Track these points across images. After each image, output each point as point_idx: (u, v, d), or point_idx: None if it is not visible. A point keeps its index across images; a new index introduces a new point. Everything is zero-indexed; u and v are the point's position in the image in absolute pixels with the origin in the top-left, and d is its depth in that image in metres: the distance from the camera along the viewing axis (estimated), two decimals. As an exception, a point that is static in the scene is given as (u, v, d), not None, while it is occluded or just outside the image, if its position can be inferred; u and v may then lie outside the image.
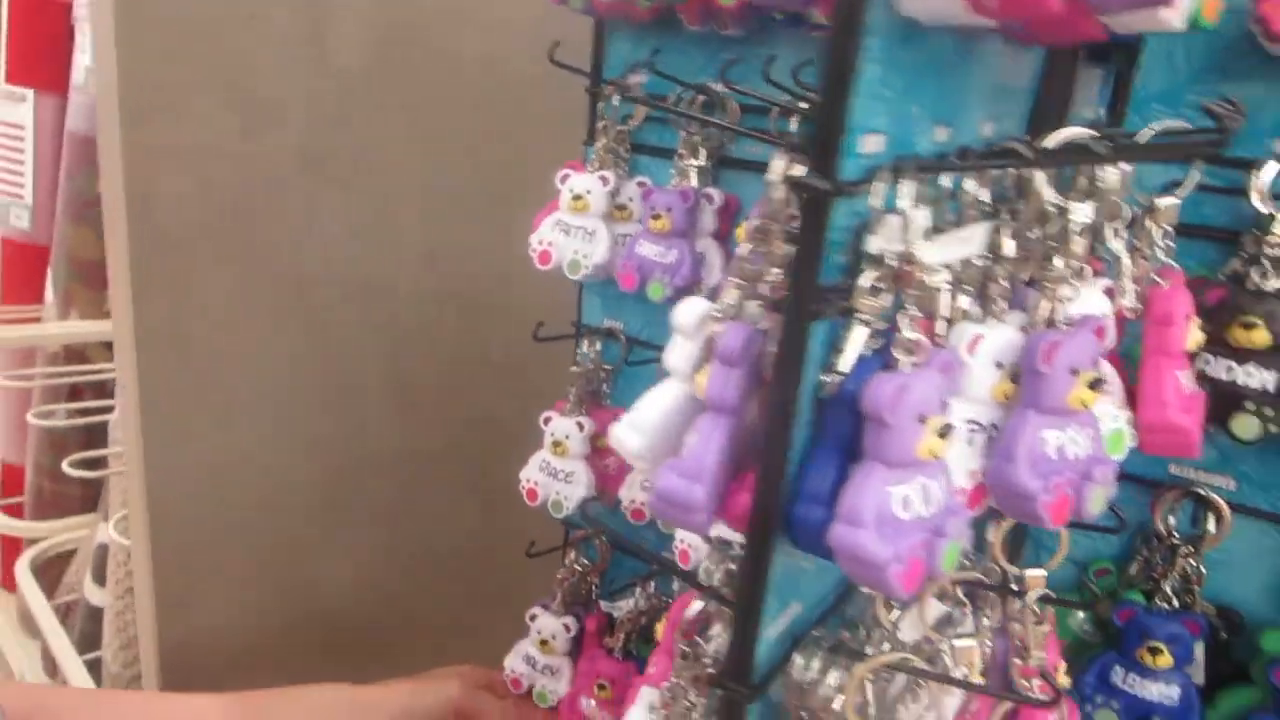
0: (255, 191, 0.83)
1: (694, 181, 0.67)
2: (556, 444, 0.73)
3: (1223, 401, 0.55)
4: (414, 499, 1.01)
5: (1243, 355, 0.54)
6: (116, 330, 0.83)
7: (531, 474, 0.74)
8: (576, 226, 0.70)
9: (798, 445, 0.40)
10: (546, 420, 0.75)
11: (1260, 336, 0.54)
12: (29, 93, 1.50)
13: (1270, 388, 0.54)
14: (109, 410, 1.34)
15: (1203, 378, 0.55)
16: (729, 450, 0.41)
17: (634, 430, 0.43)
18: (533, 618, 0.75)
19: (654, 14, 0.65)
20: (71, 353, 1.42)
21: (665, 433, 0.43)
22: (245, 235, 0.83)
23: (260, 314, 0.86)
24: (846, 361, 0.39)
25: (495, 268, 0.97)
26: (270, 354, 0.88)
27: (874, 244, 0.39)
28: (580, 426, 0.73)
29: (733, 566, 0.48)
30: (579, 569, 0.75)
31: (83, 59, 1.40)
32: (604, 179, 0.69)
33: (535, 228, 0.72)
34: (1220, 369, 0.55)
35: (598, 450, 0.73)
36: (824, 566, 0.43)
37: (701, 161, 0.67)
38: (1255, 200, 0.54)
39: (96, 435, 1.35)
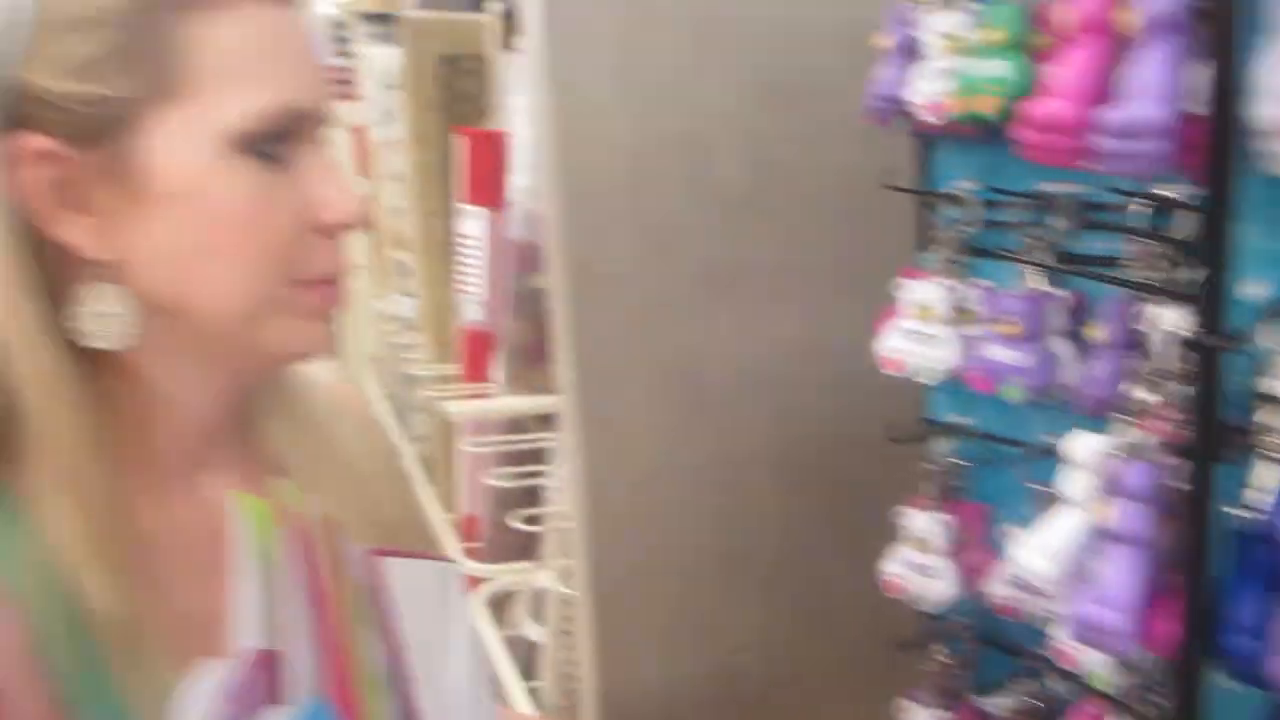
0: (661, 302, 1.00)
1: (1039, 283, 0.69)
2: (918, 539, 0.76)
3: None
4: (796, 565, 1.11)
5: None
6: (563, 412, 1.02)
7: (894, 567, 0.77)
8: (923, 333, 0.74)
9: (1217, 578, 0.43)
10: (905, 515, 0.78)
11: None
12: (479, 210, 1.81)
13: None
14: (543, 474, 1.59)
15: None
16: (1145, 580, 0.44)
17: (1043, 558, 0.48)
18: (903, 710, 0.77)
19: (985, 132, 0.69)
20: (515, 424, 1.70)
21: (1072, 560, 0.47)
22: (654, 338, 1.00)
23: (667, 403, 1.02)
24: (1263, 499, 0.41)
25: (865, 359, 1.06)
26: (676, 435, 1.04)
27: (1270, 385, 0.41)
28: (942, 523, 0.75)
29: (1145, 683, 0.49)
30: (948, 663, 0.76)
31: (517, 179, 1.69)
32: (947, 287, 0.73)
33: (879, 333, 0.77)
34: None
35: (960, 545, 0.75)
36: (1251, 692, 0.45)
37: (1046, 263, 0.69)
38: None
39: (536, 494, 1.60)
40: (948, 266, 0.75)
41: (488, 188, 1.70)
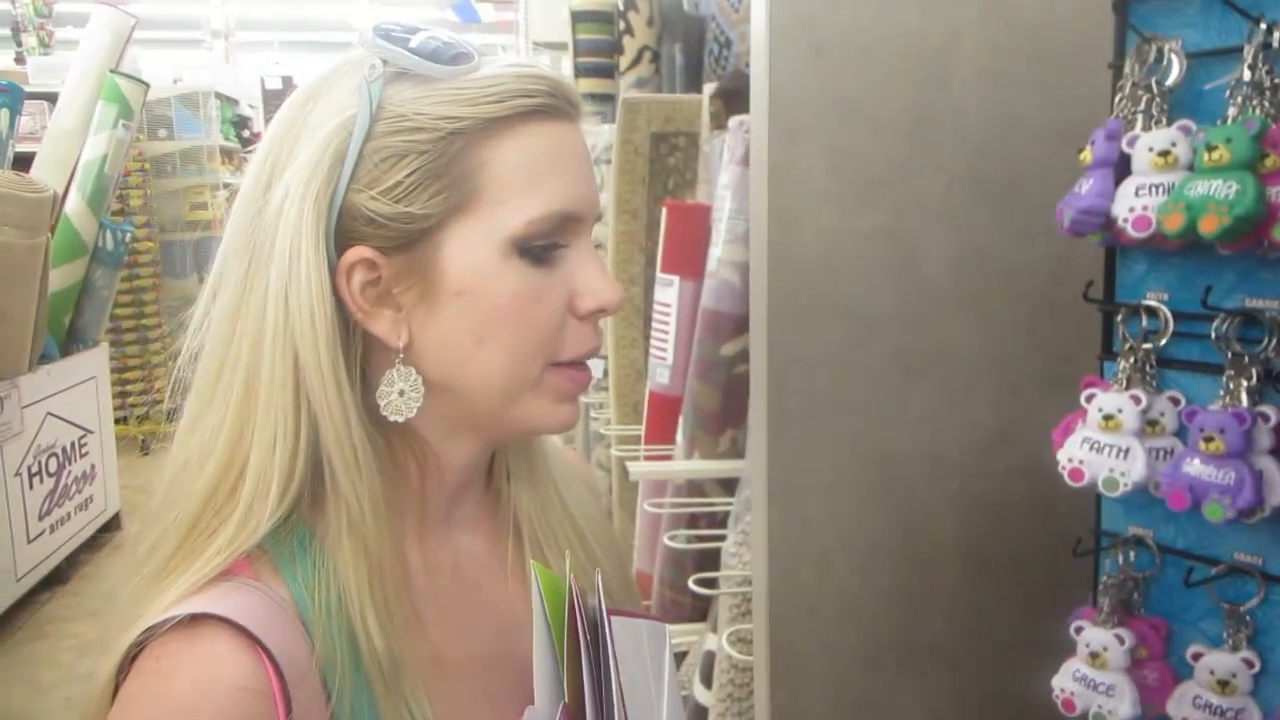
0: (857, 383, 1.03)
1: (1244, 401, 0.68)
2: (1094, 655, 0.74)
3: None
4: (980, 656, 1.10)
5: None
6: (754, 480, 1.07)
7: (1066, 683, 0.75)
8: (1108, 444, 0.72)
9: None
10: (1079, 630, 0.76)
11: None
12: (675, 279, 1.88)
13: None
14: (721, 539, 1.62)
15: None
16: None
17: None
18: None
19: (1183, 244, 0.69)
20: (693, 487, 1.75)
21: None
22: (848, 418, 1.04)
23: (855, 481, 1.05)
24: None
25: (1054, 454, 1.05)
26: (860, 515, 1.06)
27: None
28: (1120, 640, 0.73)
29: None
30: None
31: (715, 251, 1.75)
32: (1136, 398, 0.72)
33: (1058, 444, 0.75)
34: None
35: (1137, 662, 0.73)
36: None
37: (1253, 381, 0.68)
38: None
39: (710, 558, 1.64)
40: (1135, 377, 0.74)
41: (686, 258, 1.77)
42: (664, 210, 1.86)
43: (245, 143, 7.27)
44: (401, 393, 0.66)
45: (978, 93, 1.01)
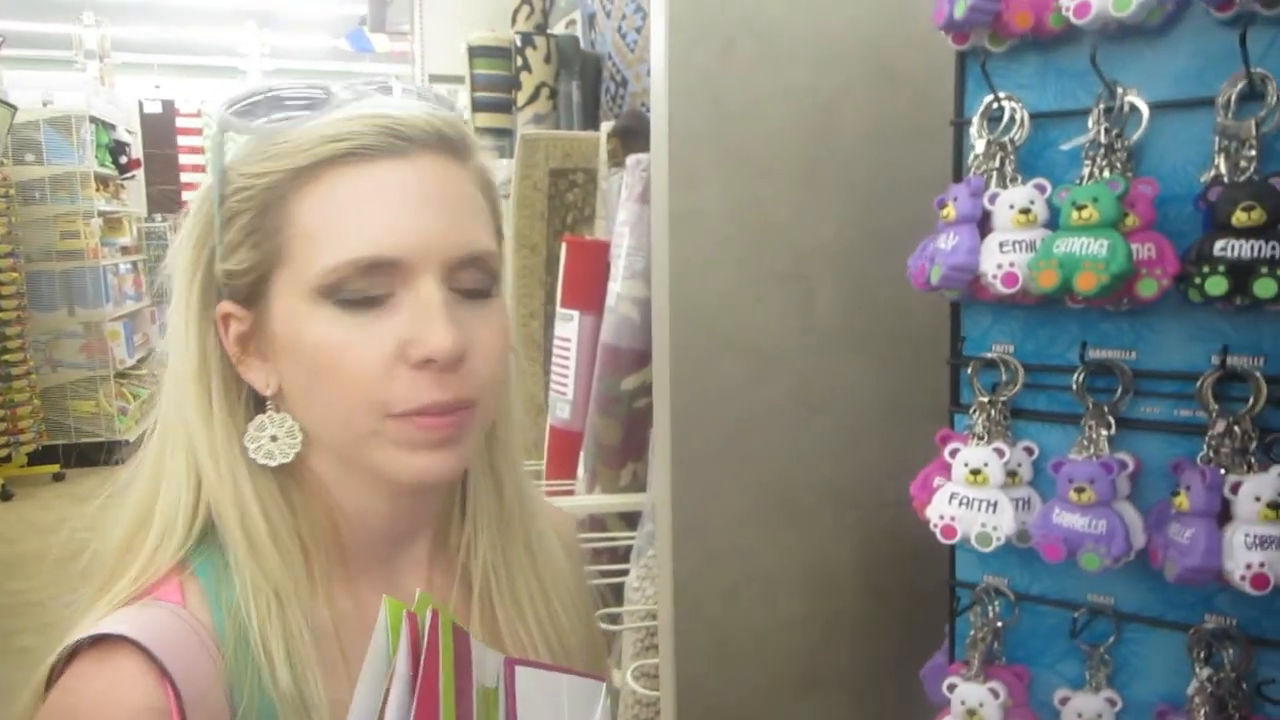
0: (759, 422, 1.07)
1: (1106, 449, 0.73)
2: (971, 712, 0.77)
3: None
4: (879, 678, 1.14)
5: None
6: (659, 516, 1.09)
7: None
8: (977, 499, 0.75)
9: None
10: (952, 688, 0.79)
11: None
12: (575, 314, 1.89)
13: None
14: (624, 573, 1.63)
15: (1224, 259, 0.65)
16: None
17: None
18: None
19: (1041, 299, 0.74)
20: (595, 521, 1.75)
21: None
22: (750, 453, 1.07)
23: (758, 514, 1.08)
24: None
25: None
26: (764, 547, 1.09)
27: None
28: (995, 694, 0.77)
29: None
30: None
31: (614, 287, 1.77)
32: (999, 451, 0.75)
33: (920, 499, 0.78)
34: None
35: (1005, 713, 0.77)
36: None
37: (1111, 431, 0.73)
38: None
39: (613, 593, 1.64)
40: (993, 429, 0.77)
41: (585, 293, 1.78)
42: (563, 245, 1.88)
43: (123, 169, 6.96)
44: (274, 438, 0.67)
45: (865, 145, 1.07)
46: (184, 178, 8.00)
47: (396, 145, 0.64)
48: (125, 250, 6.99)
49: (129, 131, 7.45)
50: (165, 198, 7.78)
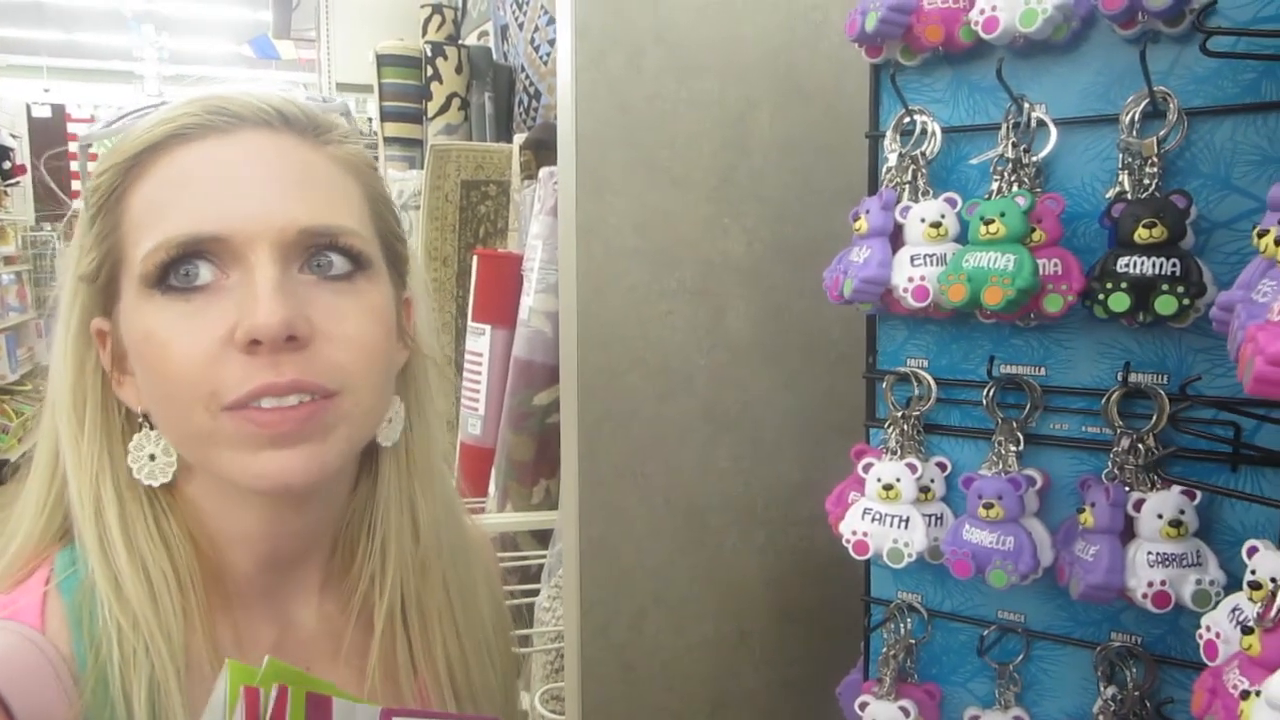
0: (668, 439, 1.04)
1: (1014, 465, 0.73)
2: None
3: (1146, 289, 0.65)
4: (790, 692, 1.13)
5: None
6: (566, 536, 1.05)
7: None
8: (889, 514, 0.75)
9: None
10: (864, 706, 0.79)
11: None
12: (487, 328, 1.86)
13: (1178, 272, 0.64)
14: (535, 593, 1.60)
15: (1126, 276, 0.65)
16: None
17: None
18: None
19: (953, 313, 0.74)
20: (506, 540, 1.71)
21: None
22: (659, 471, 1.04)
23: (667, 534, 1.06)
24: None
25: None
26: (673, 568, 1.06)
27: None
28: (905, 713, 0.76)
29: None
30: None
31: (527, 301, 1.74)
32: (912, 466, 0.75)
33: (834, 514, 0.78)
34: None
35: None
36: None
37: (1020, 447, 0.73)
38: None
39: (524, 613, 1.60)
40: (904, 444, 0.77)
41: (497, 306, 1.75)
42: (475, 259, 1.84)
43: (6, 175, 6.62)
44: (153, 457, 0.64)
45: (775, 157, 1.06)
46: (75, 185, 7.66)
47: (222, 123, 0.61)
48: (8, 260, 6.65)
49: (13, 135, 7.10)
50: (55, 205, 7.43)
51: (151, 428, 0.64)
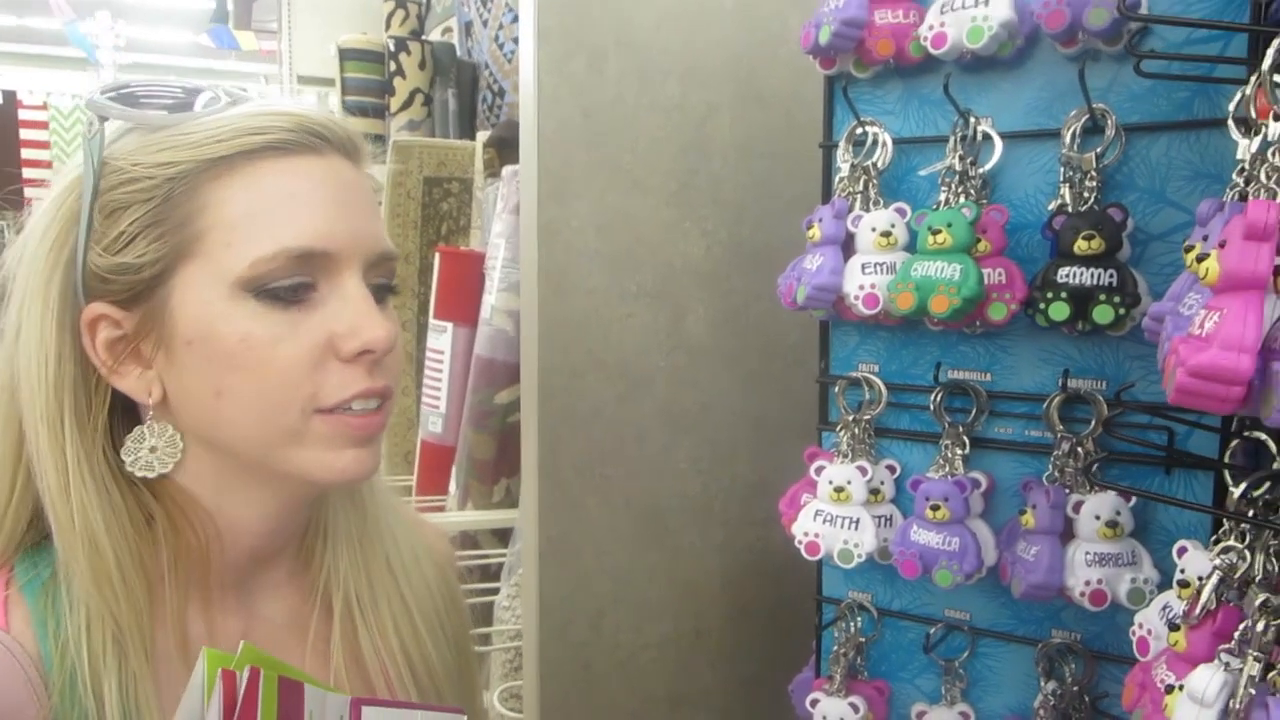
0: (628, 440, 1.05)
1: (960, 468, 0.75)
2: None
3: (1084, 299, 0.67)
4: (746, 685, 1.15)
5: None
6: (525, 536, 1.06)
7: None
8: (840, 516, 0.77)
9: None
10: (814, 703, 0.81)
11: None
12: (449, 325, 1.85)
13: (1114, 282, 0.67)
14: (495, 592, 1.60)
15: (1066, 285, 0.68)
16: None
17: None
18: None
19: (902, 320, 0.76)
20: (466, 538, 1.72)
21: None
22: (619, 472, 1.06)
23: (626, 534, 1.07)
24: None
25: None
26: (632, 567, 1.08)
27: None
28: (855, 709, 0.78)
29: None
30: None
31: (489, 299, 1.74)
32: (862, 469, 0.77)
33: (787, 515, 0.79)
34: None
35: None
36: None
37: (966, 451, 0.75)
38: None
39: (484, 612, 1.61)
40: (855, 447, 0.80)
41: (459, 304, 1.75)
42: (437, 256, 1.84)
43: (-42, 162, 6.47)
44: (153, 449, 0.64)
45: (734, 162, 1.07)
46: (27, 173, 7.50)
47: (313, 142, 0.64)
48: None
49: (-34, 122, 6.92)
50: (4, 194, 7.26)
51: (156, 420, 0.64)
